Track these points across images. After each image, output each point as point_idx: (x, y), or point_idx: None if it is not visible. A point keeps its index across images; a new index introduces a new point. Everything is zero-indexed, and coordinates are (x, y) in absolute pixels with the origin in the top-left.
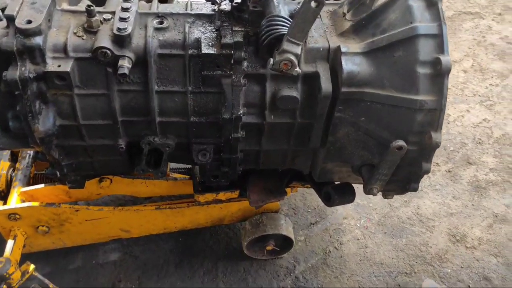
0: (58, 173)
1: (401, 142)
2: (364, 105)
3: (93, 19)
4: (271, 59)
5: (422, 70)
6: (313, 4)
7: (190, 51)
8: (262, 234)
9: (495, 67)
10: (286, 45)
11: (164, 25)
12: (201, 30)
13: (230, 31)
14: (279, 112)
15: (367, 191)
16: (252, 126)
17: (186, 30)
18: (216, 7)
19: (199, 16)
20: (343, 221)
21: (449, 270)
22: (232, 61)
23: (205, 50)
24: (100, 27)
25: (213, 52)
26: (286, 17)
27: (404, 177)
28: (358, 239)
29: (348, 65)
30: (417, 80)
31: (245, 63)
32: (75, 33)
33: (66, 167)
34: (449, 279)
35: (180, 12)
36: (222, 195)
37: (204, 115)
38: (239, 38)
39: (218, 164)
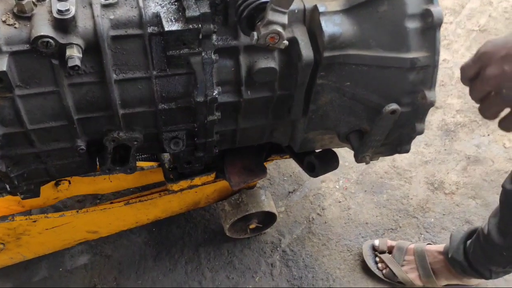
0: (7, 186)
1: (394, 106)
2: (349, 69)
3: (24, 1)
4: (255, 33)
5: (411, 25)
6: None
7: (149, 29)
8: (245, 214)
9: (446, 4)
10: (271, 15)
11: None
12: (158, 2)
13: (194, 0)
14: (256, 87)
15: (359, 159)
16: (228, 105)
17: (141, 3)
18: None
19: None
20: (321, 185)
21: (432, 220)
22: (200, 36)
23: (167, 26)
24: (35, 10)
25: (177, 28)
26: None
27: (395, 139)
28: (340, 202)
29: (329, 26)
30: (407, 36)
31: (214, 37)
32: (4, 21)
33: (16, 178)
34: (433, 229)
35: None
36: (197, 180)
37: (174, 101)
38: (205, 8)
39: (192, 149)
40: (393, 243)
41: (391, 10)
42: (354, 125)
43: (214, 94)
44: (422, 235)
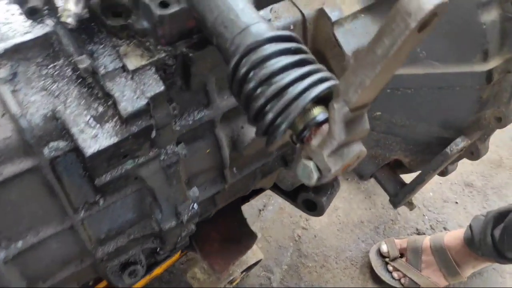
0: None
1: (464, 142)
2: (381, 96)
3: None
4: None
5: (488, 17)
6: (413, 23)
7: (46, 152)
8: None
9: None
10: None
11: None
12: (43, 87)
13: (127, 73)
14: (246, 160)
15: (400, 205)
16: (208, 199)
17: (8, 98)
18: (48, 21)
19: (17, 50)
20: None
21: (431, 194)
22: (153, 135)
23: (87, 148)
24: None
25: (107, 144)
26: (305, 50)
27: None
28: None
29: (350, 42)
30: (482, 36)
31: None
32: None
33: None
34: (434, 204)
35: None
36: (158, 270)
37: (120, 235)
38: (155, 86)
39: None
40: (403, 242)
41: None
42: (382, 159)
43: (191, 208)
44: (426, 216)
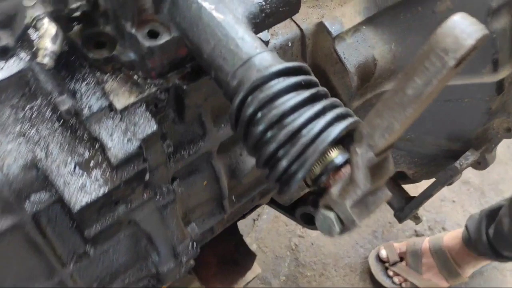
0: None
1: (474, 155)
2: None
3: None
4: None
5: (499, 24)
6: (451, 61)
7: (28, 208)
8: None
9: None
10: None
11: None
12: (20, 133)
13: (115, 113)
14: (247, 188)
15: (405, 219)
16: (206, 230)
17: None
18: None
19: None
20: None
21: None
22: (146, 177)
23: (75, 201)
24: None
25: (95, 196)
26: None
27: None
28: None
29: (352, 57)
30: (492, 46)
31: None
32: None
33: None
34: (432, 203)
35: None
36: None
37: (115, 280)
38: (147, 127)
39: None
40: (402, 246)
41: (461, 6)
42: None
43: (191, 247)
44: (424, 217)
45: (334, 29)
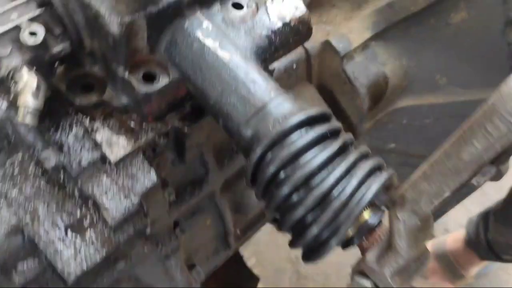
0: None
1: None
2: (396, 128)
3: None
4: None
5: None
6: None
7: (16, 280)
8: None
9: None
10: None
11: None
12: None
13: (108, 166)
14: (250, 219)
15: None
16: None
17: None
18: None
19: None
20: None
21: None
22: (147, 230)
23: (68, 272)
24: None
25: (94, 261)
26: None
27: None
28: None
29: (361, 74)
30: (510, 57)
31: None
32: None
33: None
34: None
35: None
36: None
37: None
38: (148, 179)
39: None
40: None
41: (477, 16)
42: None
43: None
44: None
45: (341, 48)
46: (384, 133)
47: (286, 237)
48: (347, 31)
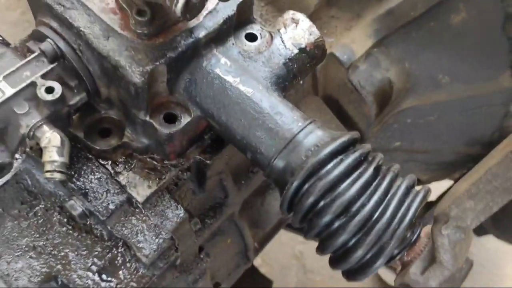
0: None
1: None
2: (400, 127)
3: None
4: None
5: None
6: None
7: None
8: None
9: None
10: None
11: None
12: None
13: (136, 208)
14: (267, 232)
15: None
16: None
17: None
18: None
19: None
20: None
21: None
22: (178, 260)
23: None
24: None
25: None
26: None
27: None
28: None
29: (367, 82)
30: (510, 51)
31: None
32: None
33: None
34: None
35: None
36: None
37: None
38: (176, 216)
39: None
40: None
41: (477, 16)
42: None
43: None
44: None
45: (346, 59)
46: (389, 133)
47: (289, 234)
48: (349, 41)
